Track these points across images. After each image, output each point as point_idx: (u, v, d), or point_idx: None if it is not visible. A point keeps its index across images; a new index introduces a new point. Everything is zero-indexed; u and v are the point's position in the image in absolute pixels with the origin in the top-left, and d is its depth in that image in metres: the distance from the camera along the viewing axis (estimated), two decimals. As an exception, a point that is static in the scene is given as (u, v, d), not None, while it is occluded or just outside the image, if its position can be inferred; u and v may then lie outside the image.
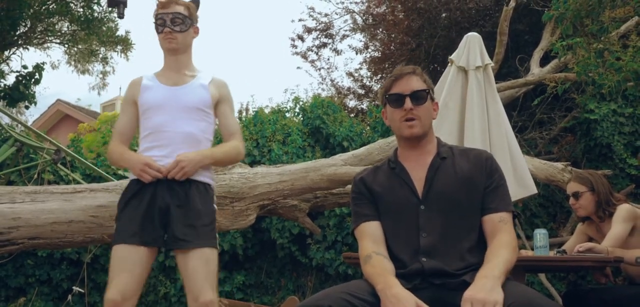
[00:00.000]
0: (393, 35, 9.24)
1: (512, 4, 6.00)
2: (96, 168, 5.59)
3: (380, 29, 10.35)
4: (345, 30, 11.42)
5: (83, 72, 12.15)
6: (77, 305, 5.97)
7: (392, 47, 9.39)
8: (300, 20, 11.63)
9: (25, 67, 7.46)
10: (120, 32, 10.51)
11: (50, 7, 8.61)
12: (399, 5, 8.97)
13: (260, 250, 6.53)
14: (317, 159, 5.27)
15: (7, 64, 8.91)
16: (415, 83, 1.85)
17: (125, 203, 2.32)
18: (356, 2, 11.20)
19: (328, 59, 12.77)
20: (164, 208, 2.26)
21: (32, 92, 7.49)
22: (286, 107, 7.75)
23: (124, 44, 10.70)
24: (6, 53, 8.76)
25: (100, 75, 12.63)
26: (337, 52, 11.43)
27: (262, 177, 3.95)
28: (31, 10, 8.34)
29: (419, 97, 1.83)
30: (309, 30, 11.37)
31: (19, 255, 5.71)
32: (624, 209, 2.92)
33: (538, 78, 6.39)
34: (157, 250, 2.34)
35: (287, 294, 6.15)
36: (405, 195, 1.81)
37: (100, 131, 8.12)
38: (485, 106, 3.51)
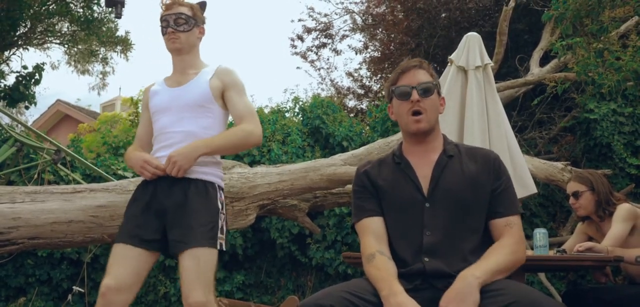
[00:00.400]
0: (392, 35, 9.25)
1: (512, 3, 6.00)
2: (96, 168, 5.59)
3: (380, 29, 10.35)
4: (345, 31, 11.45)
5: (83, 73, 12.16)
6: (77, 305, 5.97)
7: (391, 47, 9.40)
8: (299, 20, 11.66)
9: (25, 67, 7.46)
10: (120, 32, 10.53)
11: (50, 7, 8.62)
12: (399, 5, 8.98)
13: (260, 250, 6.53)
14: (317, 159, 5.27)
15: (7, 65, 8.91)
16: (422, 76, 1.82)
17: (130, 203, 2.35)
18: (356, 2, 11.22)
19: (328, 59, 12.82)
20: (161, 210, 2.24)
21: (32, 93, 7.49)
22: (286, 107, 7.75)
23: (124, 44, 10.71)
24: (6, 53, 8.76)
25: (100, 76, 12.65)
26: (337, 52, 11.45)
27: (261, 177, 3.95)
28: (31, 11, 8.35)
29: (426, 89, 1.80)
30: (308, 31, 11.38)
31: (19, 255, 5.71)
32: (624, 209, 2.92)
33: (538, 78, 6.40)
34: (158, 254, 2.30)
35: (287, 294, 6.15)
36: (411, 192, 1.78)
37: (100, 131, 8.13)
38: (485, 106, 3.51)
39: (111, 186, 3.58)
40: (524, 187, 3.47)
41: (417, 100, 1.78)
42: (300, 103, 7.44)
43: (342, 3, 11.39)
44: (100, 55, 11.42)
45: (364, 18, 11.14)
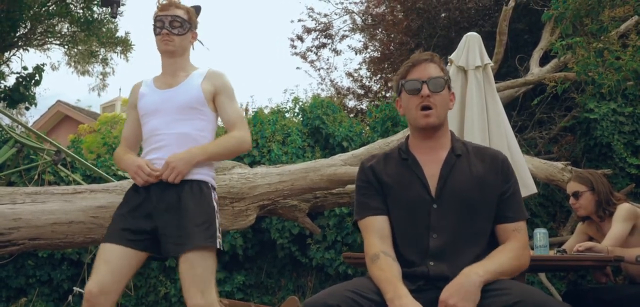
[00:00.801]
0: (392, 36, 9.25)
1: (512, 3, 6.00)
2: (96, 169, 5.59)
3: (380, 29, 10.35)
4: (345, 31, 11.44)
5: (83, 73, 12.16)
6: (77, 306, 5.98)
7: (391, 47, 9.40)
8: (299, 20, 11.65)
9: (25, 68, 7.47)
10: (120, 33, 10.53)
11: (50, 8, 8.62)
12: (398, 6, 8.98)
13: (260, 250, 6.53)
14: (317, 159, 5.27)
15: (8, 66, 8.92)
16: (433, 70, 1.77)
17: (120, 204, 2.35)
18: (355, 3, 11.22)
19: (327, 59, 12.81)
20: (153, 213, 2.23)
21: (32, 94, 7.50)
22: (286, 108, 7.75)
23: (124, 45, 10.70)
24: (6, 54, 8.77)
25: (100, 77, 12.65)
26: (337, 52, 11.44)
27: (261, 178, 3.96)
28: (31, 12, 8.36)
29: (437, 84, 1.75)
30: (308, 31, 11.38)
31: (19, 256, 5.71)
32: (624, 209, 2.92)
33: (537, 78, 6.39)
34: (146, 254, 2.29)
35: (287, 294, 6.15)
36: (418, 191, 1.73)
37: (100, 132, 8.13)
38: (485, 106, 3.51)
39: (111, 186, 3.59)
40: (524, 187, 3.47)
41: (427, 95, 1.73)
42: (300, 103, 7.44)
43: (342, 3, 11.40)
44: (100, 56, 11.43)
45: (363, 18, 11.15)
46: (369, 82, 10.78)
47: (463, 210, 1.70)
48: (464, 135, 3.43)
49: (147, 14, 2.89)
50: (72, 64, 11.83)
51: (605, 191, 2.98)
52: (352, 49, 11.26)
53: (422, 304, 1.53)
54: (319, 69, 11.59)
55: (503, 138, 3.46)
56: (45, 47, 10.14)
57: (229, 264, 6.40)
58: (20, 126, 7.48)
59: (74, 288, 5.70)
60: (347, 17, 11.36)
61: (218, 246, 2.24)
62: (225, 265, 6.37)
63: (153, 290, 6.28)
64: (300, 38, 11.50)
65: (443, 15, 8.06)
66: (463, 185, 1.71)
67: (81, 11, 8.99)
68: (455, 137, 1.84)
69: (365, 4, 10.97)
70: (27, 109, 7.73)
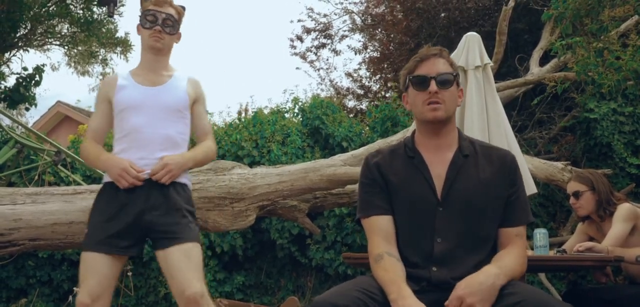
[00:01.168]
0: (392, 36, 9.25)
1: (511, 3, 5.99)
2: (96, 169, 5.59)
3: (379, 29, 10.36)
4: (344, 31, 11.45)
5: (83, 74, 12.18)
6: (77, 306, 5.98)
7: (391, 47, 9.40)
8: (299, 20, 11.68)
9: (25, 69, 7.48)
10: (120, 33, 10.55)
11: (50, 9, 8.63)
12: (398, 6, 8.98)
13: (260, 250, 6.53)
14: (317, 159, 5.27)
15: (8, 66, 8.93)
16: (442, 66, 1.72)
17: (99, 208, 2.26)
18: (355, 3, 11.23)
19: (327, 60, 12.81)
20: (138, 215, 2.21)
21: (32, 94, 7.51)
22: (285, 108, 7.75)
23: (124, 45, 10.73)
24: (6, 55, 8.77)
25: (100, 77, 12.66)
26: (336, 52, 11.45)
27: (261, 178, 3.96)
28: (31, 12, 8.37)
29: (445, 80, 1.70)
30: (308, 31, 11.39)
31: (20, 256, 5.71)
32: (624, 209, 2.91)
33: (537, 77, 6.39)
34: (127, 257, 2.30)
35: (287, 295, 6.15)
36: (424, 192, 1.69)
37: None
38: (485, 106, 3.51)
39: (111, 187, 3.58)
40: (525, 187, 3.46)
41: (435, 91, 1.68)
42: (300, 104, 7.44)
43: (342, 3, 11.41)
44: (100, 57, 11.45)
45: (363, 18, 11.15)
46: (368, 82, 10.78)
47: (469, 215, 1.66)
48: (464, 135, 3.42)
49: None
50: (72, 64, 11.85)
51: (606, 191, 2.98)
52: (352, 49, 11.28)
53: (426, 304, 1.51)
54: (318, 69, 11.61)
55: (503, 138, 3.46)
56: (45, 47, 10.16)
57: (228, 265, 6.39)
58: (20, 127, 7.48)
59: (75, 288, 5.70)
60: (346, 17, 11.38)
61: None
62: (225, 265, 6.37)
63: (153, 290, 6.28)
64: (299, 38, 11.52)
65: (443, 15, 8.06)
66: (470, 189, 1.67)
67: (81, 12, 9.00)
68: (462, 136, 1.79)
69: (365, 4, 10.99)
70: (27, 109, 7.75)
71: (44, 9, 8.53)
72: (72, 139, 7.04)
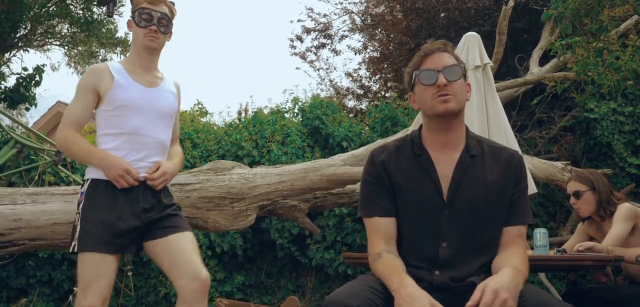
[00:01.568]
0: (392, 36, 9.25)
1: (511, 3, 6.00)
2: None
3: (379, 29, 10.36)
4: (344, 31, 11.46)
5: (83, 74, 12.18)
6: (77, 306, 5.98)
7: (390, 47, 9.41)
8: (299, 20, 11.72)
9: (25, 69, 7.49)
10: (120, 33, 10.55)
11: (50, 9, 8.63)
12: (398, 6, 8.98)
13: (260, 250, 6.53)
14: (317, 159, 5.27)
15: (8, 66, 8.93)
16: (448, 59, 1.68)
17: (97, 205, 2.19)
18: (355, 3, 11.23)
19: (327, 60, 12.83)
20: (140, 214, 2.22)
21: (32, 94, 7.52)
22: (285, 108, 7.76)
23: (124, 45, 10.73)
24: (7, 55, 8.78)
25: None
26: (336, 52, 11.46)
27: (261, 178, 3.96)
28: (31, 13, 8.37)
29: (453, 72, 1.65)
30: (307, 31, 11.40)
31: (20, 256, 5.72)
32: (624, 208, 2.92)
33: (537, 77, 6.39)
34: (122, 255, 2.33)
35: (287, 294, 6.16)
36: (429, 193, 1.65)
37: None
38: (485, 106, 3.51)
39: (111, 187, 3.58)
40: (524, 186, 3.46)
41: (444, 84, 1.63)
42: (300, 103, 7.44)
43: (341, 3, 11.44)
44: (100, 57, 11.45)
45: (363, 18, 11.15)
46: (368, 82, 10.79)
47: (475, 219, 1.63)
48: (464, 135, 3.42)
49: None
50: (72, 64, 11.86)
51: (606, 191, 2.98)
52: (352, 49, 11.30)
53: None
54: (318, 69, 11.64)
55: (503, 138, 3.46)
56: (46, 47, 10.16)
57: (228, 264, 6.40)
58: (20, 127, 7.49)
59: (75, 288, 5.70)
60: (346, 17, 11.38)
61: None
62: (225, 265, 6.37)
63: (153, 290, 6.28)
64: (299, 38, 11.53)
65: (442, 15, 8.06)
66: (477, 192, 1.64)
67: (81, 12, 9.01)
68: (470, 133, 1.74)
69: (365, 4, 10.99)
70: (27, 109, 7.76)
71: (44, 9, 8.54)
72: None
